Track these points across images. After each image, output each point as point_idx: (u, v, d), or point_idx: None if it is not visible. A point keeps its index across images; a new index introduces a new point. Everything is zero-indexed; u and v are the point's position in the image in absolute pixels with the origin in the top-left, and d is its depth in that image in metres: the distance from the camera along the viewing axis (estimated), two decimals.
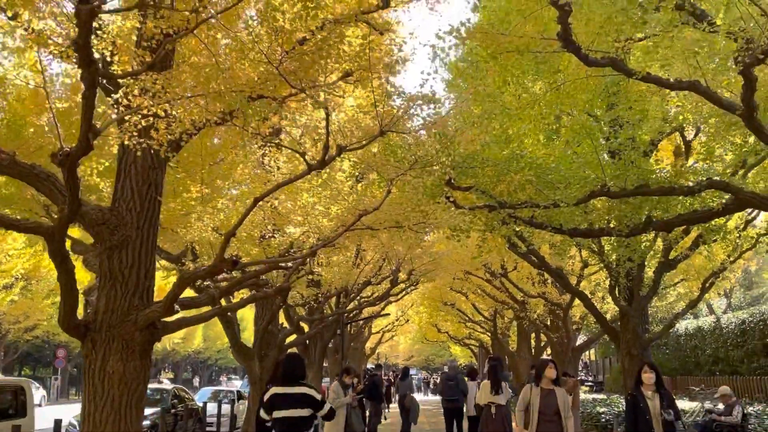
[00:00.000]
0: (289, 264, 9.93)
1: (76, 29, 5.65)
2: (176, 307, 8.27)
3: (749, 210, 16.31)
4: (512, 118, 10.30)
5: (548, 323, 28.97)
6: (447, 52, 9.43)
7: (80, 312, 8.82)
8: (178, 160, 15.00)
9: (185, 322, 9.32)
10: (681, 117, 12.86)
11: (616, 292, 18.39)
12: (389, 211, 9.44)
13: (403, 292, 30.51)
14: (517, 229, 18.07)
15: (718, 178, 10.05)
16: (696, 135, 16.11)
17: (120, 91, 7.33)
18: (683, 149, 16.05)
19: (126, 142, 8.94)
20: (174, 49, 7.92)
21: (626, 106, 11.82)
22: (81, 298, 9.48)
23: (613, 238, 17.94)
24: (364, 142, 7.58)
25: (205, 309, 9.82)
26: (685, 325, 38.36)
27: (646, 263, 18.71)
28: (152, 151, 10.08)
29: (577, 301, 25.05)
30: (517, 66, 9.71)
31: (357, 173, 11.08)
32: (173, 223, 13.62)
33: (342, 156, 7.81)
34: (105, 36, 6.99)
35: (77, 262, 11.18)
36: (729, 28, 7.61)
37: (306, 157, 7.65)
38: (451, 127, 9.94)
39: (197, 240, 14.39)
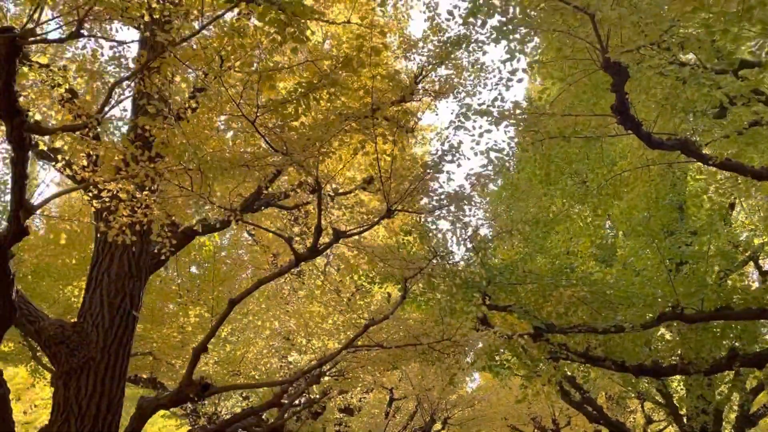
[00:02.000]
0: (284, 398, 8.00)
1: None
2: None
3: None
4: (557, 219, 8.59)
5: None
6: (477, 139, 7.94)
7: None
8: (184, 283, 13.54)
9: None
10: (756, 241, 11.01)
11: None
12: (403, 326, 7.61)
13: None
14: (569, 372, 15.73)
15: None
16: None
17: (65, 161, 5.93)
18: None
19: (102, 233, 7.42)
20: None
21: (687, 231, 10.07)
22: None
23: (682, 384, 15.48)
24: (366, 225, 5.94)
25: None
26: None
27: (723, 417, 15.96)
28: (131, 255, 8.60)
29: None
30: (562, 156, 8.13)
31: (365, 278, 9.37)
32: (168, 353, 11.85)
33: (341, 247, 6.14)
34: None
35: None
36: None
37: (294, 244, 5.99)
38: (483, 230, 8.29)
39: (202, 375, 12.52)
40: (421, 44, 9.36)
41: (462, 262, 9.00)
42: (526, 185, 8.63)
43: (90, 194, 6.20)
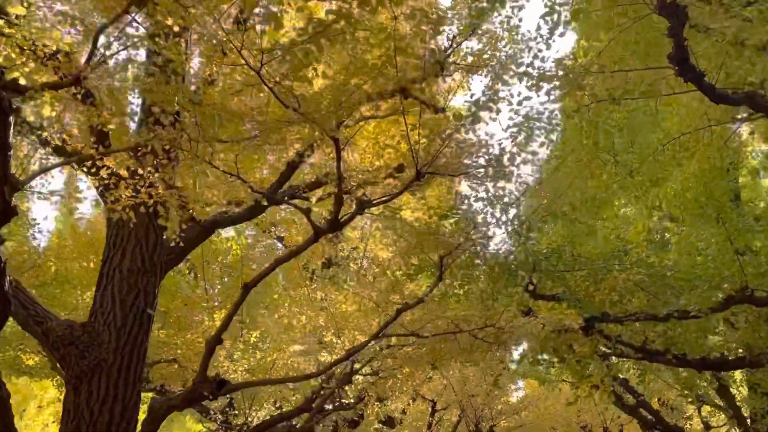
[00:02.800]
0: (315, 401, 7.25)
1: None
2: None
3: None
4: (606, 197, 7.72)
5: None
6: (515, 107, 7.13)
7: None
8: (205, 281, 12.94)
9: None
10: None
11: None
12: (442, 315, 6.80)
13: None
14: (621, 374, 14.67)
15: None
16: None
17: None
18: None
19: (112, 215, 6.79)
20: None
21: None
22: None
23: (744, 384, 14.35)
24: (394, 191, 5.19)
25: None
26: None
27: None
28: (144, 249, 7.99)
29: None
30: (612, 123, 7.28)
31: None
32: (195, 360, 11.19)
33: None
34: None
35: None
36: None
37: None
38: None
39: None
40: (450, 14, 8.62)
41: (504, 247, 8.18)
42: (571, 159, 7.80)
43: (85, 169, 5.58)
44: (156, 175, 5.65)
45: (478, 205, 6.58)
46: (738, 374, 16.55)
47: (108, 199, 6.01)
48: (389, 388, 11.80)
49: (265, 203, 9.11)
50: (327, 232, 5.47)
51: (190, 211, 9.41)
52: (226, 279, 13.16)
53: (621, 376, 14.92)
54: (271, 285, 13.35)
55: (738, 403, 15.32)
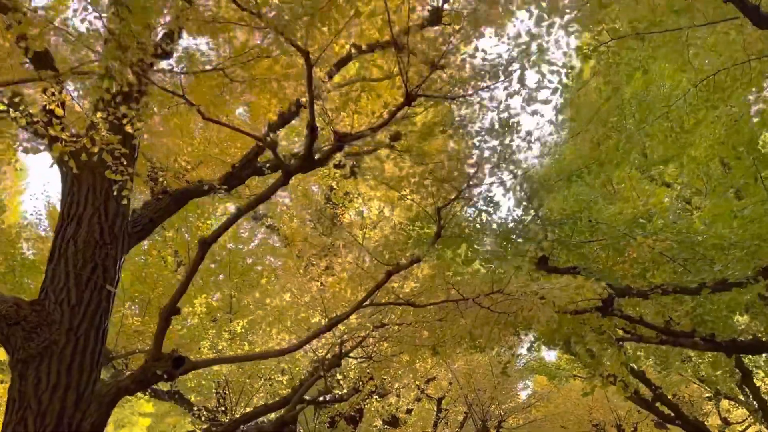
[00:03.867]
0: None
1: None
2: None
3: None
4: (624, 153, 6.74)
5: None
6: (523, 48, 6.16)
7: None
8: (182, 262, 12.05)
9: None
10: None
11: None
12: (442, 286, 5.83)
13: None
14: (636, 366, 13.69)
15: None
16: None
17: None
18: None
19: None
20: None
21: None
22: None
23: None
24: (383, 118, 4.24)
25: None
26: None
27: None
28: (103, 219, 7.06)
29: None
30: (635, 65, 6.31)
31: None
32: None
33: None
34: None
35: None
36: None
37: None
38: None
39: (212, 378, 10.91)
40: None
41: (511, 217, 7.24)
42: (587, 112, 6.84)
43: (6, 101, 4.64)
44: (99, 115, 4.70)
45: (482, 149, 5.59)
46: (762, 361, 15.55)
47: (39, 143, 5.08)
48: (391, 379, 10.85)
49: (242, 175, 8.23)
50: (298, 171, 4.54)
51: (161, 180, 8.58)
52: (213, 265, 12.21)
53: (637, 368, 13.97)
54: (263, 274, 12.43)
55: (763, 395, 14.34)
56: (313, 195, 14.49)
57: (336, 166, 10.36)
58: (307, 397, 8.49)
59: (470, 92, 4.47)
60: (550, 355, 23.12)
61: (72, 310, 6.49)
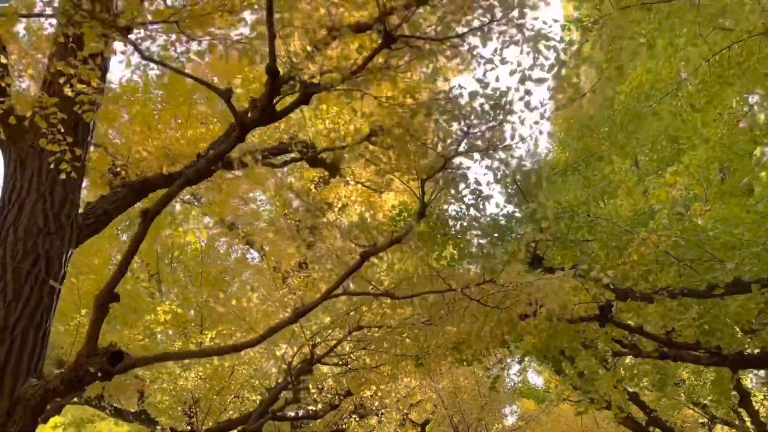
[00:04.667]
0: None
1: None
2: None
3: None
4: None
5: None
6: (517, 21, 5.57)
7: None
8: (152, 269, 11.34)
9: None
10: None
11: None
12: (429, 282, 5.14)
13: None
14: (629, 387, 13.00)
15: None
16: None
17: None
18: None
19: None
20: None
21: None
22: None
23: None
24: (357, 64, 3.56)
25: None
26: None
27: None
28: (48, 206, 6.34)
29: None
30: (638, 33, 5.72)
31: None
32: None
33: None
34: None
35: None
36: None
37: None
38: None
39: (176, 392, 10.09)
40: None
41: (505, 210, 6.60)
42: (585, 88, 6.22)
43: None
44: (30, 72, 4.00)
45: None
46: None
47: None
48: (371, 396, 10.07)
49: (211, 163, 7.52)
50: (255, 124, 3.86)
51: (120, 171, 7.87)
52: (182, 276, 11.44)
53: (631, 389, 13.28)
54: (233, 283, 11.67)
55: (762, 419, 13.69)
56: (292, 204, 13.80)
57: (316, 163, 9.72)
58: (278, 413, 7.75)
59: (461, 32, 3.83)
60: (538, 381, 22.35)
61: (8, 306, 5.71)
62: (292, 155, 8.57)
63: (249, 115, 3.77)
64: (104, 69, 6.99)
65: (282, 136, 8.64)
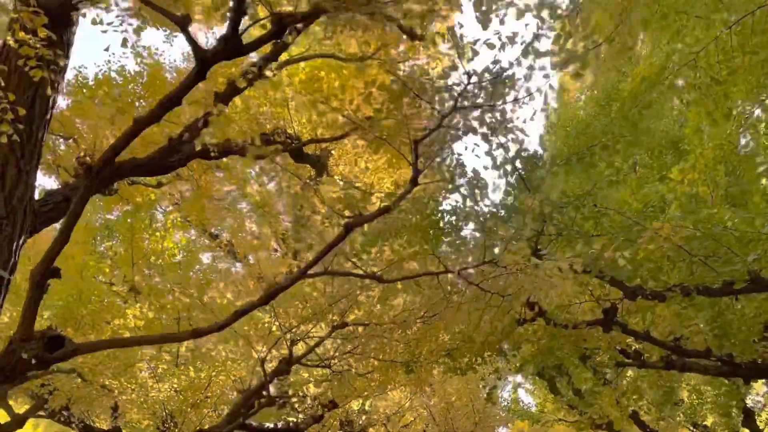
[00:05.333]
0: None
1: None
2: None
3: None
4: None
5: None
6: None
7: None
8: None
9: None
10: None
11: None
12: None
13: None
14: (632, 406, 12.37)
15: None
16: None
17: None
18: None
19: None
20: None
21: None
22: None
23: None
24: None
25: None
26: None
27: None
28: None
29: None
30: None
31: None
32: (94, 368, 8.64)
33: None
34: None
35: None
36: None
37: None
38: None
39: (148, 405, 9.39)
40: None
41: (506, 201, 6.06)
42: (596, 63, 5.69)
43: None
44: None
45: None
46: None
47: None
48: (359, 412, 9.39)
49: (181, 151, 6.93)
50: (218, 58, 3.29)
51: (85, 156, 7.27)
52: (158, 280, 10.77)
53: (631, 409, 12.67)
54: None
55: None
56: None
57: (302, 158, 9.13)
58: (254, 424, 7.08)
59: None
60: (530, 400, 21.63)
61: None
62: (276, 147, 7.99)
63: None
64: (68, 44, 6.45)
65: (265, 126, 8.08)
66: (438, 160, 4.47)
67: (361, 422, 10.36)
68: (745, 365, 7.73)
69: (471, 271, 4.43)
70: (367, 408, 10.60)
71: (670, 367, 8.58)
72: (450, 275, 4.72)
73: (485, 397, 10.75)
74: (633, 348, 8.95)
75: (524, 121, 5.51)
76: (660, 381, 9.66)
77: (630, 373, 10.33)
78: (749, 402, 13.89)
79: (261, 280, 13.16)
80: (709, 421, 16.14)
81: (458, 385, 12.11)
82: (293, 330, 5.86)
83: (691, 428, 16.29)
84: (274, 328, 5.82)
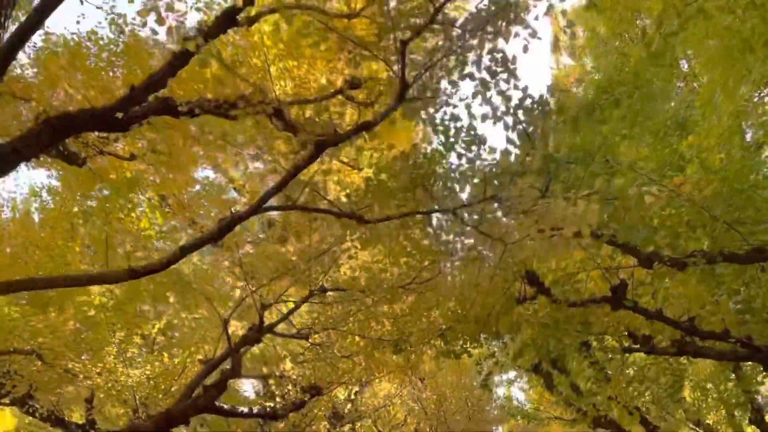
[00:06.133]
0: None
1: None
2: None
3: None
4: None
5: None
6: None
7: None
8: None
9: None
10: None
11: None
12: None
13: None
14: (635, 405, 11.69)
15: None
16: None
17: None
18: None
19: None
20: None
21: None
22: None
23: None
24: None
25: None
26: None
27: None
28: None
29: None
30: None
31: None
32: (60, 351, 7.93)
33: None
34: None
35: None
36: None
37: None
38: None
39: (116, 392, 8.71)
40: None
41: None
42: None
43: None
44: None
45: None
46: None
47: None
48: (344, 400, 8.69)
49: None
50: None
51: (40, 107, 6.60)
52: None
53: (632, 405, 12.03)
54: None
55: None
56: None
57: (285, 127, 8.44)
58: (225, 406, 6.37)
59: None
60: (523, 398, 20.98)
61: None
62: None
63: None
64: None
65: (240, 85, 7.38)
66: (430, 80, 3.79)
67: (347, 411, 9.60)
68: (766, 348, 7.09)
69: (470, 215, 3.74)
70: (352, 397, 9.90)
71: (681, 353, 7.92)
72: (441, 215, 4.04)
73: (480, 383, 10.06)
74: (641, 333, 8.29)
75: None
76: (668, 369, 8.98)
77: (632, 372, 9.68)
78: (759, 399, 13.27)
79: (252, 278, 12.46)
80: (711, 420, 15.52)
81: (451, 378, 11.48)
82: (263, 290, 5.15)
83: (694, 427, 15.65)
84: (238, 286, 5.12)
